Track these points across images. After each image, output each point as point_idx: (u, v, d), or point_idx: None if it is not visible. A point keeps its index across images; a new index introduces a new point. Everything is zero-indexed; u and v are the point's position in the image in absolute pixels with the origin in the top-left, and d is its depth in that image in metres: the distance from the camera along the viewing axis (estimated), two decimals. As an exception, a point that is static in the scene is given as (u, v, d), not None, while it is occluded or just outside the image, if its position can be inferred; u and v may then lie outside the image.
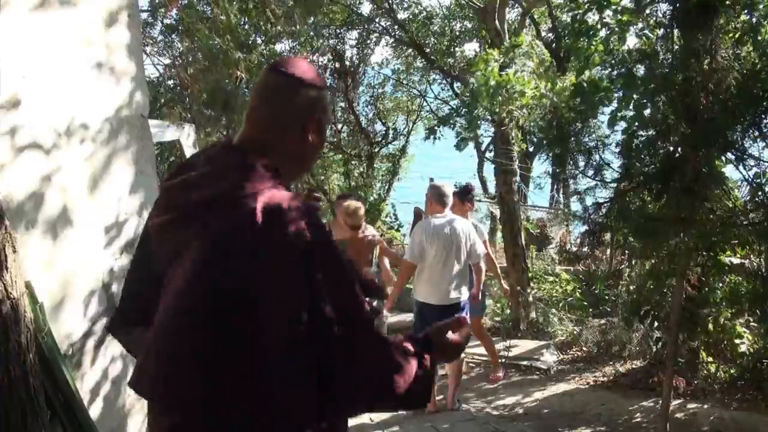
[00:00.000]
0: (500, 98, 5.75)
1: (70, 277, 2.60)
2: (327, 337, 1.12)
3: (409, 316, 5.77)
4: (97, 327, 2.73)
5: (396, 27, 13.80)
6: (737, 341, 4.96)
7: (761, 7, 3.57)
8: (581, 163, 3.93)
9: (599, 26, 4.25)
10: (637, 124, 3.77)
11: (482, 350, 6.05)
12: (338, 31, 14.24)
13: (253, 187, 1.14)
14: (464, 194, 5.49)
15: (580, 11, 4.47)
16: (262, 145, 1.23)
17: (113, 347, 2.83)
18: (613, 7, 4.11)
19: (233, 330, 1.09)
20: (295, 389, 1.11)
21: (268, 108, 1.24)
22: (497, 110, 6.14)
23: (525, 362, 5.92)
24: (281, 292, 1.10)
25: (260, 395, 1.09)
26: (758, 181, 3.59)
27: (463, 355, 4.77)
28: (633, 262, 6.15)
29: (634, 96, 3.74)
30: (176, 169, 1.26)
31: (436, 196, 4.50)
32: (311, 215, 1.15)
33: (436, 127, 7.52)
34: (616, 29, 4.12)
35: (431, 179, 5.10)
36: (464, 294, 4.44)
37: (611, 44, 4.34)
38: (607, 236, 4.35)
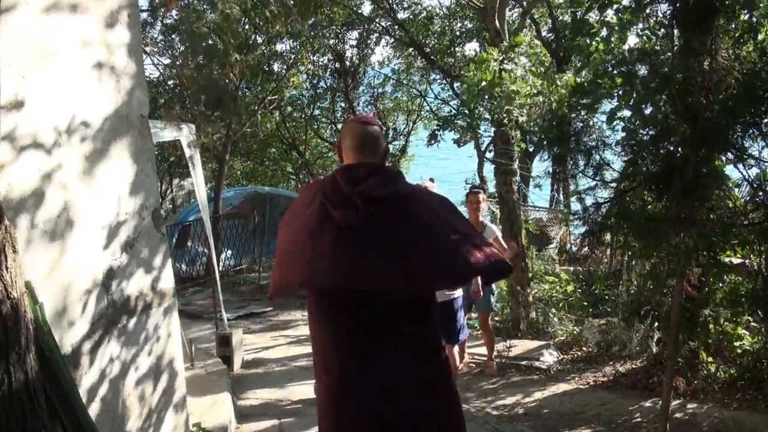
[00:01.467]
0: (492, 97, 5.78)
1: (70, 276, 2.60)
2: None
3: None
4: (97, 327, 2.74)
5: (396, 27, 13.81)
6: (737, 341, 4.96)
7: (762, 6, 3.57)
8: (581, 163, 3.94)
9: (600, 25, 4.25)
10: (637, 123, 3.77)
11: (482, 350, 6.07)
12: (338, 31, 14.24)
13: (407, 183, 2.13)
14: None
15: (581, 9, 4.47)
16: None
17: (112, 347, 2.83)
18: (615, 6, 4.11)
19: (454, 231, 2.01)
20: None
21: (374, 145, 2.12)
22: (494, 110, 6.15)
23: (525, 362, 5.91)
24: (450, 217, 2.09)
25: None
26: (758, 181, 3.60)
27: (457, 358, 4.79)
28: (633, 262, 6.15)
29: (634, 94, 3.75)
30: (349, 179, 1.98)
31: None
32: None
33: (437, 131, 7.54)
34: (617, 28, 4.12)
35: (431, 179, 5.10)
36: (457, 292, 4.56)
37: (612, 43, 4.34)
38: (607, 236, 4.35)
